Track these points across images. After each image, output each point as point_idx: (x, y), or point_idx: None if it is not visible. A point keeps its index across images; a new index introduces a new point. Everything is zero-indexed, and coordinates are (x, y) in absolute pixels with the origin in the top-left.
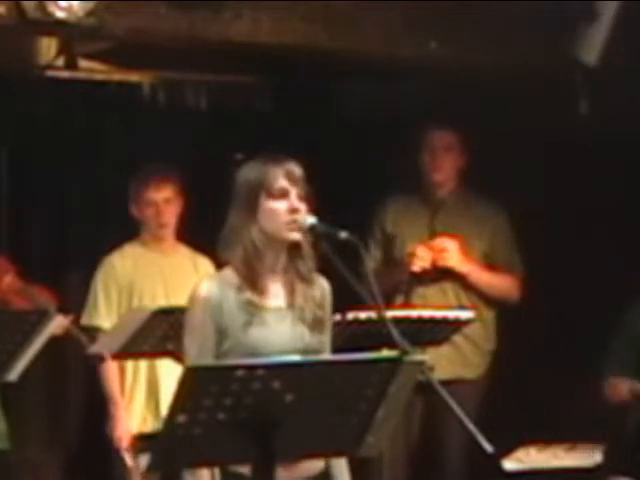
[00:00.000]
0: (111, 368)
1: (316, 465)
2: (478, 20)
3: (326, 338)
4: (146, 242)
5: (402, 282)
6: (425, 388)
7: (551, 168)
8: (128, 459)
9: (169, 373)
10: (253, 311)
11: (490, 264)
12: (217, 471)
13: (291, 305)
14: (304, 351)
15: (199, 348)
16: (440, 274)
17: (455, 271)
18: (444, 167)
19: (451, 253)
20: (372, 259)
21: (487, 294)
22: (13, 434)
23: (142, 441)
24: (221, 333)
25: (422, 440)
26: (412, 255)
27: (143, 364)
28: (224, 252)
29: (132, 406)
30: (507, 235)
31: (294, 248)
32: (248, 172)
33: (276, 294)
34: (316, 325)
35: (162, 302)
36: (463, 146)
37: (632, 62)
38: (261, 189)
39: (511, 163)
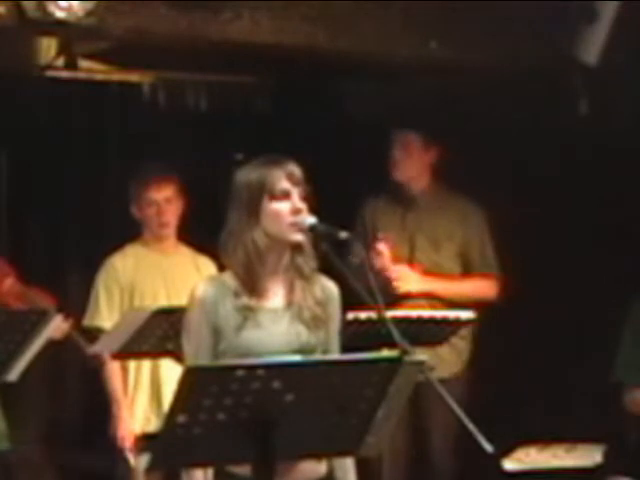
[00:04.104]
0: (113, 368)
1: (317, 469)
2: (478, 20)
3: (328, 336)
4: (147, 242)
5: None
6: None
7: (551, 168)
8: (131, 459)
9: (172, 373)
10: (248, 314)
11: (464, 268)
12: (210, 471)
13: (289, 304)
14: (300, 350)
15: (196, 348)
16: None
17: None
18: (403, 166)
19: (406, 280)
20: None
21: (458, 302)
22: (13, 434)
23: (145, 441)
24: (217, 334)
25: (407, 437)
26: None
27: (146, 364)
28: (224, 256)
29: (135, 406)
30: (481, 235)
31: (296, 247)
32: (248, 174)
33: (275, 294)
34: (315, 323)
35: (164, 302)
36: (427, 143)
37: (632, 62)
38: (263, 191)
39: (511, 163)
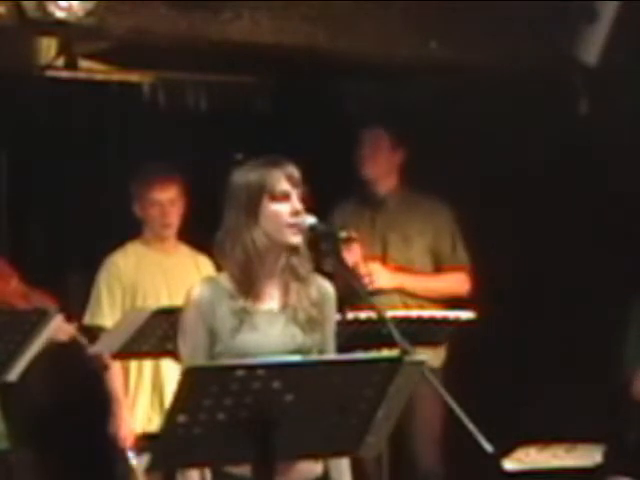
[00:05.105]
0: (115, 367)
1: (313, 469)
2: (478, 20)
3: (324, 337)
4: (148, 241)
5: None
6: None
7: (551, 168)
8: (133, 459)
9: (174, 372)
10: (244, 317)
11: (436, 262)
12: (208, 471)
13: (284, 306)
14: (296, 352)
15: (191, 350)
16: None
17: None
18: (371, 163)
19: (377, 276)
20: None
21: (429, 297)
22: (13, 434)
23: (147, 440)
24: (213, 335)
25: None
26: None
27: (148, 364)
28: (220, 257)
29: (136, 405)
30: (450, 232)
31: (292, 249)
32: (247, 175)
33: (270, 296)
34: (310, 325)
35: (166, 302)
36: (394, 143)
37: (632, 62)
38: (263, 192)
39: (511, 163)
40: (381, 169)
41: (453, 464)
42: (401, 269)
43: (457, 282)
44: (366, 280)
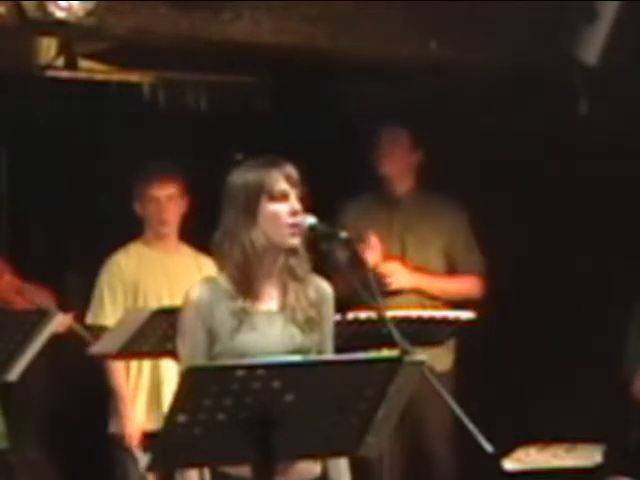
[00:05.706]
0: (118, 366)
1: (312, 469)
2: (478, 20)
3: (323, 338)
4: (149, 241)
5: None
6: None
7: (551, 168)
8: (140, 457)
9: (172, 373)
10: (243, 317)
11: (449, 265)
12: (207, 471)
13: (283, 307)
14: (295, 352)
15: (190, 351)
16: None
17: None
18: (389, 161)
19: (394, 276)
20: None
21: (443, 298)
22: (13, 434)
23: (146, 440)
24: (212, 336)
25: (403, 438)
26: None
27: (146, 364)
28: (218, 257)
29: (135, 405)
30: (465, 234)
31: (290, 250)
32: (245, 175)
33: (269, 297)
34: (309, 325)
35: (167, 302)
36: (414, 143)
37: (632, 62)
38: (262, 192)
39: (511, 163)
40: (398, 168)
41: (453, 464)
42: (419, 269)
43: (471, 285)
44: (387, 280)
